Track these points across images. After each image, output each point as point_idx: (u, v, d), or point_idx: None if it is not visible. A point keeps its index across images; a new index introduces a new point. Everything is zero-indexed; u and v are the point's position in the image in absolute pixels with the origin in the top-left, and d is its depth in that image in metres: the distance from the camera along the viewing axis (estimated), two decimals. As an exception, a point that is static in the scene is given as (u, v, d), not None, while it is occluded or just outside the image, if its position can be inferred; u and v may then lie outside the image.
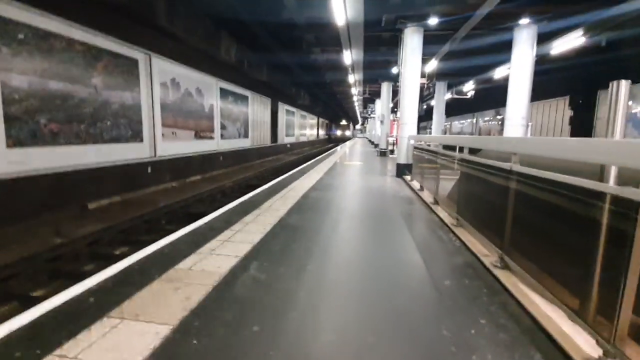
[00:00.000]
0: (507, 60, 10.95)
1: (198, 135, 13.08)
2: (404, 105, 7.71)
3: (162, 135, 10.75)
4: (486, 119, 26.89)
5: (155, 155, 10.40)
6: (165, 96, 10.87)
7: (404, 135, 7.74)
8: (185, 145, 12.14)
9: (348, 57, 9.76)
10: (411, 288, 2.26)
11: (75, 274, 4.47)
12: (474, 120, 29.05)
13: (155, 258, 2.67)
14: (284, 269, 2.51)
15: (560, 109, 18.10)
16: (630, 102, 13.38)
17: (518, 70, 7.38)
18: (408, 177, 7.28)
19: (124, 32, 8.96)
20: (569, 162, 1.82)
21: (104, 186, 8.55)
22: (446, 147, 4.52)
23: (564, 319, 1.77)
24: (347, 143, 31.37)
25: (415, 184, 6.38)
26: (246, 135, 18.59)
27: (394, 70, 9.81)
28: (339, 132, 56.55)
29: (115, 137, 8.78)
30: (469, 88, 16.06)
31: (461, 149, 3.57)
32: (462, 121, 31.84)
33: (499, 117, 24.47)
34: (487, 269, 2.48)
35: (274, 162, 21.07)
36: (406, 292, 2.21)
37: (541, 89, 18.99)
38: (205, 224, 3.66)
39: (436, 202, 4.64)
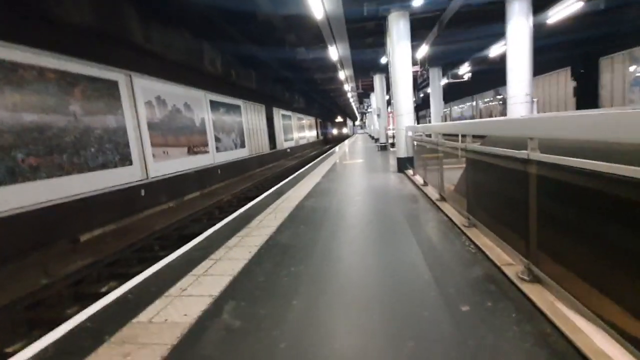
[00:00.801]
0: (502, 35, 10.41)
1: (192, 151, 12.74)
2: (398, 96, 7.23)
3: (153, 155, 10.41)
4: (486, 100, 26.20)
5: (147, 177, 10.06)
6: (151, 115, 10.53)
7: (400, 127, 7.26)
8: (179, 163, 11.80)
9: (334, 53, 9.32)
10: (422, 323, 1.80)
11: (58, 320, 4.09)
12: (474, 103, 28.34)
13: (115, 307, 2.25)
14: (266, 309, 2.07)
15: (562, 81, 17.44)
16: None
17: (515, 44, 6.84)
18: (410, 172, 6.80)
19: (99, 55, 8.63)
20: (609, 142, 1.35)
21: (96, 215, 8.22)
22: (447, 135, 4.06)
23: (626, 355, 1.30)
24: (346, 142, 29.02)
25: (418, 179, 5.90)
26: (243, 145, 18.24)
27: (384, 60, 9.32)
28: (335, 131, 49.52)
29: (102, 164, 8.44)
30: (464, 70, 15.49)
31: (463, 137, 3.11)
32: (461, 105, 31.14)
33: (498, 96, 23.80)
34: (513, 283, 2.01)
35: (275, 168, 20.71)
36: (416, 329, 1.75)
37: (541, 63, 18.33)
38: (184, 254, 3.24)
39: (442, 199, 4.17)
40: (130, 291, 2.49)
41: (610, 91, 14.97)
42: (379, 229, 3.59)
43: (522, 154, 1.87)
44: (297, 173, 9.28)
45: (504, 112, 23.31)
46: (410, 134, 6.62)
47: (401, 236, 3.25)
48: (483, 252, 2.53)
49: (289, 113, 28.94)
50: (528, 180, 1.86)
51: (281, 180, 9.46)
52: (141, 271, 4.00)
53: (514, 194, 2.19)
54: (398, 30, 6.88)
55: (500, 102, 23.39)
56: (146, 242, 6.94)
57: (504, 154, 2.08)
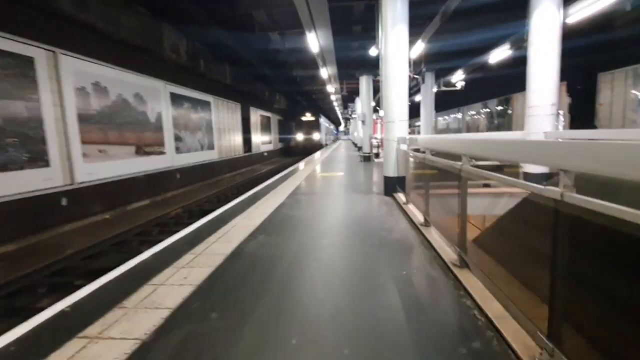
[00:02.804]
0: (508, 37, 9.10)
1: (142, 151, 10.71)
2: (389, 97, 5.62)
3: (84, 155, 8.36)
4: (472, 112, 25.31)
5: (73, 182, 8.01)
6: (85, 105, 8.49)
7: (391, 137, 5.63)
8: (122, 165, 9.76)
9: (314, 41, 7.65)
10: None
11: None
12: (459, 115, 27.42)
13: None
14: None
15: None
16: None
17: (540, 42, 5.38)
18: (401, 197, 5.17)
19: (5, 20, 6.60)
20: None
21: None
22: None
23: None
24: (317, 154, 19.13)
25: (414, 212, 4.26)
26: (211, 147, 16.27)
27: (372, 51, 7.72)
28: (299, 136, 30.07)
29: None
30: (458, 78, 14.19)
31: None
32: (445, 117, 30.21)
33: (486, 110, 22.95)
34: None
35: (248, 174, 18.80)
36: None
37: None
38: None
39: (464, 264, 2.51)
40: None
41: (609, 110, 14.01)
42: (354, 338, 1.88)
43: None
44: (261, 186, 7.50)
45: (491, 127, 22.41)
46: (403, 147, 5.00)
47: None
48: None
49: (268, 114, 27.06)
50: None
51: (253, 187, 7.70)
52: None
53: None
54: (394, 10, 5.27)
55: (490, 115, 22.47)
56: (37, 276, 4.96)
57: None
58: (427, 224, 3.61)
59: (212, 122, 16.37)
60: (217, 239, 3.57)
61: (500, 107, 20.91)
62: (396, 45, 5.40)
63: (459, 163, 2.41)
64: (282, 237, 3.65)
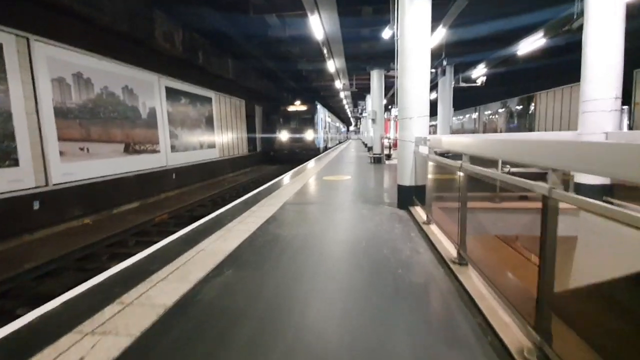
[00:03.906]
0: (545, 21, 7.90)
1: (131, 149, 9.87)
2: (406, 88, 4.55)
3: (61, 153, 7.53)
4: (488, 112, 23.94)
5: (47, 183, 7.18)
6: (64, 98, 7.66)
7: (407, 137, 4.56)
8: (108, 164, 8.92)
9: (318, 26, 6.60)
10: None
11: None
12: (475, 115, 25.98)
13: None
14: None
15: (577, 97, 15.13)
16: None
17: (601, 16, 4.26)
18: (420, 212, 4.11)
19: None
20: None
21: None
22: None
23: None
24: (310, 164, 12.18)
25: (441, 239, 3.19)
26: (212, 145, 15.41)
27: (386, 33, 6.59)
28: (284, 136, 20.47)
29: (-45, 163, 5.57)
30: (478, 73, 12.96)
31: None
32: (460, 117, 28.74)
33: (503, 109, 21.59)
34: None
35: (252, 173, 17.91)
36: None
37: (556, 75, 16.01)
38: None
39: (544, 357, 1.44)
40: None
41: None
42: None
43: None
44: (252, 193, 6.51)
45: (510, 127, 21.01)
46: (425, 150, 3.93)
47: None
48: None
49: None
50: None
51: (255, 188, 6.83)
52: None
53: None
54: (414, -21, 4.21)
55: (509, 114, 21.10)
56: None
57: None
58: (462, 261, 2.54)
59: (213, 119, 15.50)
60: (167, 276, 2.58)
61: (520, 107, 19.54)
62: (415, 24, 4.33)
63: (545, 185, 1.35)
64: (258, 272, 2.64)
